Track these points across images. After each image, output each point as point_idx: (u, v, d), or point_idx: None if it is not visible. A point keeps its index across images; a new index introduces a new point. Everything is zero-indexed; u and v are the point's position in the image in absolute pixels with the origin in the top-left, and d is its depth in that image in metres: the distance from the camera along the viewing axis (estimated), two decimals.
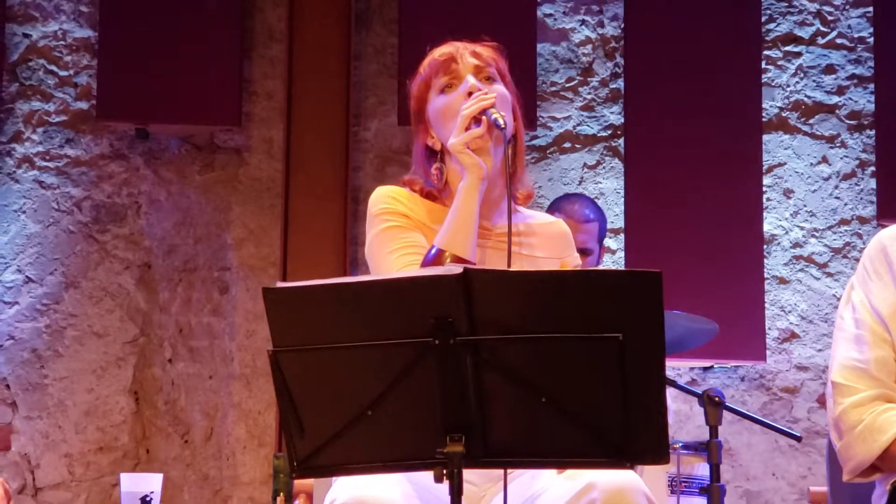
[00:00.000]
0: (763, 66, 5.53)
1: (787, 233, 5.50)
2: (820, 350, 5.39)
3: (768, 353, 5.37)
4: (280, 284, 2.17)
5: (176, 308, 5.37)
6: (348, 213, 5.36)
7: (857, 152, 5.55)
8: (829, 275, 5.47)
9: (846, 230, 5.50)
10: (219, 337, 5.36)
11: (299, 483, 3.82)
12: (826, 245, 5.49)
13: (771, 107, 5.55)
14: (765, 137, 5.49)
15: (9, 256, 5.34)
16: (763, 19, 5.56)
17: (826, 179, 5.54)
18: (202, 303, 5.38)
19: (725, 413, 3.59)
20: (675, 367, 5.32)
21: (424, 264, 2.64)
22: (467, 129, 2.68)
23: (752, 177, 5.42)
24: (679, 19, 5.49)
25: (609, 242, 5.35)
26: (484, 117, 2.68)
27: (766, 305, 5.37)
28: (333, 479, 2.59)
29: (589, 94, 5.58)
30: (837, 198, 5.53)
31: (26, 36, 5.46)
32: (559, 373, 2.15)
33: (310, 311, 2.17)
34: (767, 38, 5.58)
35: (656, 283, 2.11)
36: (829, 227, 5.50)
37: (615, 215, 5.42)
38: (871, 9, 5.57)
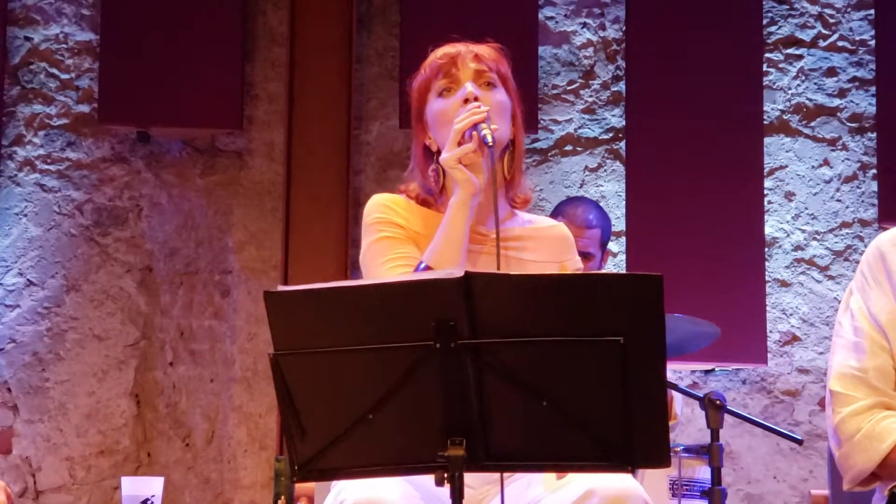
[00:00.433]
0: (764, 68, 5.53)
1: (788, 235, 5.50)
2: (821, 353, 5.39)
3: (769, 355, 5.36)
4: (281, 288, 2.17)
5: (177, 311, 5.37)
6: (349, 216, 5.36)
7: (858, 155, 5.54)
8: (831, 278, 5.47)
9: (847, 233, 5.50)
10: (220, 340, 5.36)
11: (300, 486, 3.82)
12: (827, 248, 5.49)
13: (772, 109, 5.55)
14: (766, 140, 5.49)
15: (10, 260, 5.34)
16: (764, 22, 5.56)
17: (827, 182, 5.54)
18: (203, 306, 5.38)
19: (727, 416, 3.59)
20: (677, 371, 5.31)
21: None
22: (459, 143, 2.66)
23: (753, 179, 5.42)
24: (680, 22, 5.49)
25: (610, 245, 5.34)
26: (475, 132, 2.65)
27: (768, 308, 5.37)
28: (333, 482, 2.59)
29: (590, 96, 5.58)
30: (839, 200, 5.53)
31: (28, 39, 5.46)
32: (560, 376, 2.15)
33: (311, 315, 2.17)
34: (769, 41, 5.58)
35: (657, 286, 2.11)
36: (831, 230, 5.50)
37: (616, 218, 5.41)
38: (872, 11, 5.57)
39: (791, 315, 5.45)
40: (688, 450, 4.03)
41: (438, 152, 2.78)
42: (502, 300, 2.13)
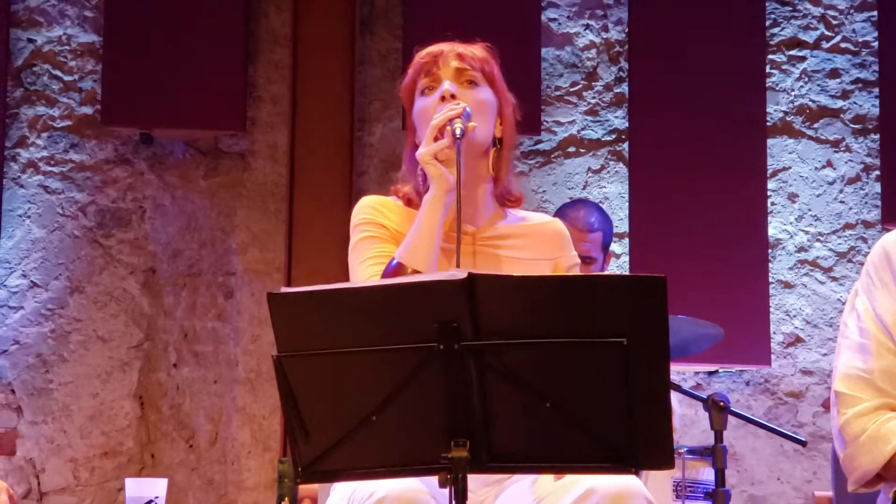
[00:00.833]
0: (767, 70, 5.53)
1: (791, 237, 5.49)
2: (825, 354, 5.39)
3: (773, 357, 5.36)
4: (284, 289, 2.17)
5: (181, 313, 5.37)
6: None
7: (861, 156, 5.54)
8: (834, 279, 5.47)
9: (851, 234, 5.50)
10: (223, 342, 5.36)
11: (304, 488, 3.82)
12: (831, 249, 5.49)
13: (775, 111, 5.55)
14: (769, 141, 5.49)
15: (14, 261, 5.35)
16: (767, 23, 5.56)
17: (831, 183, 5.54)
18: (207, 307, 5.38)
19: (730, 417, 3.59)
20: (680, 372, 5.31)
21: (385, 276, 2.63)
22: (435, 139, 2.66)
23: (756, 181, 5.42)
24: (683, 23, 5.49)
25: (613, 247, 5.34)
26: (448, 127, 2.64)
27: (771, 310, 5.37)
28: (335, 483, 2.59)
29: (593, 98, 5.58)
30: (842, 202, 5.52)
31: (31, 41, 5.47)
32: (564, 377, 2.15)
33: (314, 316, 2.17)
34: (772, 43, 5.58)
35: (661, 287, 2.11)
36: (834, 232, 5.50)
37: (619, 219, 5.41)
38: (875, 13, 5.57)
39: (794, 316, 5.45)
40: (691, 451, 4.02)
41: None
42: (505, 301, 2.13)
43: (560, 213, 4.39)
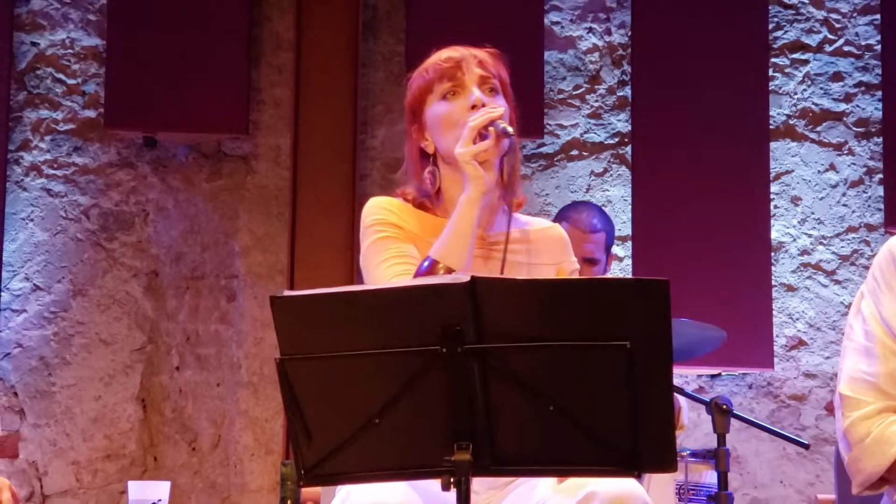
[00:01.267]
0: (770, 73, 5.53)
1: (794, 240, 5.49)
2: (828, 357, 5.39)
3: (776, 360, 5.36)
4: (287, 293, 2.17)
5: (183, 316, 5.37)
6: (355, 221, 5.34)
7: (864, 160, 5.54)
8: (837, 282, 5.47)
9: (854, 237, 5.50)
10: (226, 345, 5.36)
11: (306, 491, 3.83)
12: (834, 252, 5.49)
13: (778, 114, 5.55)
14: (772, 145, 5.49)
15: (17, 264, 5.35)
16: (770, 27, 5.56)
17: (834, 187, 5.54)
18: (209, 310, 5.38)
19: (733, 421, 3.59)
20: (683, 375, 5.31)
21: (417, 275, 2.64)
22: (474, 141, 2.67)
23: (759, 184, 5.42)
24: (686, 26, 5.49)
25: (616, 250, 5.35)
26: (492, 128, 2.67)
27: (774, 313, 5.37)
28: (338, 487, 2.59)
29: (596, 101, 5.58)
30: (845, 205, 5.52)
31: (34, 44, 5.47)
32: (567, 381, 2.15)
33: (317, 320, 2.17)
34: (775, 46, 5.58)
35: (664, 290, 2.11)
36: (837, 235, 5.50)
37: (622, 223, 5.42)
38: (878, 16, 5.57)
39: (797, 319, 5.44)
40: (694, 454, 4.02)
41: (435, 155, 2.79)
42: (508, 305, 2.13)
43: (562, 214, 4.39)
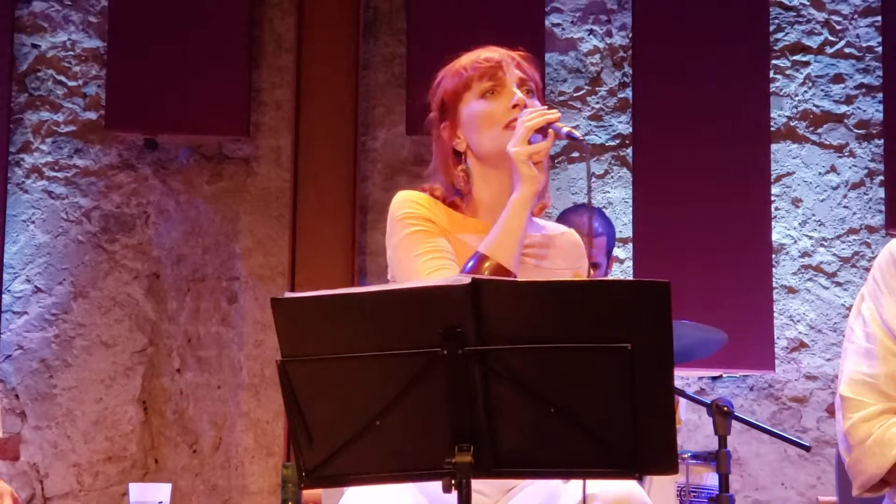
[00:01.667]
0: (771, 75, 5.53)
1: (795, 242, 5.49)
2: (829, 359, 5.39)
3: (777, 362, 5.36)
4: (288, 294, 2.17)
5: (184, 318, 5.37)
6: (356, 223, 5.36)
7: (865, 161, 5.54)
8: (838, 284, 5.47)
9: (855, 239, 5.50)
10: (227, 347, 5.36)
11: (308, 493, 3.83)
12: (835, 254, 5.49)
13: (779, 116, 5.55)
14: (773, 147, 5.49)
15: (18, 266, 5.35)
16: (771, 28, 5.56)
17: (834, 189, 5.54)
18: (210, 312, 5.38)
19: (734, 423, 3.59)
20: (684, 377, 5.31)
21: (464, 271, 2.63)
22: (529, 141, 2.67)
23: (760, 186, 5.42)
24: (687, 28, 5.49)
25: (617, 252, 5.35)
26: (551, 130, 2.67)
27: (775, 315, 5.37)
28: (343, 489, 2.59)
29: (597, 103, 5.58)
30: (846, 207, 5.52)
31: (35, 46, 5.47)
32: (568, 383, 2.15)
33: (318, 322, 2.17)
34: (776, 48, 5.58)
35: (665, 292, 2.11)
36: (838, 237, 5.50)
37: (623, 225, 5.42)
38: (879, 18, 5.57)
39: (798, 321, 5.44)
40: (695, 456, 4.02)
41: (465, 153, 2.79)
42: (509, 306, 2.13)
43: (564, 218, 4.39)
